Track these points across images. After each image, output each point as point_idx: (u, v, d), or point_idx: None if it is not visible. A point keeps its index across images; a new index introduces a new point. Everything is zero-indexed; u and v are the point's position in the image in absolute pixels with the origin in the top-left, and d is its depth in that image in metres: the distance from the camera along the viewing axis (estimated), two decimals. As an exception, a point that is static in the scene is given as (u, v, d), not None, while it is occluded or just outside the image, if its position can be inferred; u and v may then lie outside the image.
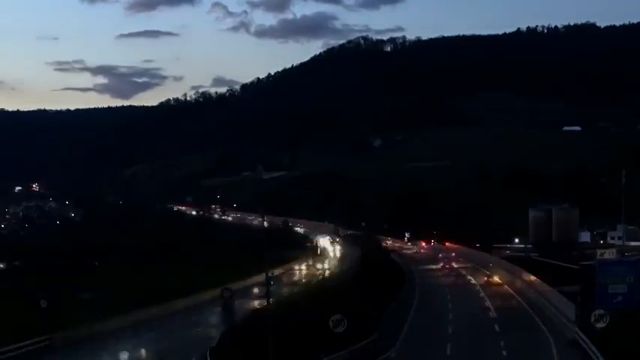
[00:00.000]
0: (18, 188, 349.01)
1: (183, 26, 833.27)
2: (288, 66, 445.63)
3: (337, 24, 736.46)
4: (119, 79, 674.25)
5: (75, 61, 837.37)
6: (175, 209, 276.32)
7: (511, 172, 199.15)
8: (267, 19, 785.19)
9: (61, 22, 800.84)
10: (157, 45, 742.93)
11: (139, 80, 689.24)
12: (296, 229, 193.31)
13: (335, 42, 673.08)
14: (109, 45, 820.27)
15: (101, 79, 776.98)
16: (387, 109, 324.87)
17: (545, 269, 75.74)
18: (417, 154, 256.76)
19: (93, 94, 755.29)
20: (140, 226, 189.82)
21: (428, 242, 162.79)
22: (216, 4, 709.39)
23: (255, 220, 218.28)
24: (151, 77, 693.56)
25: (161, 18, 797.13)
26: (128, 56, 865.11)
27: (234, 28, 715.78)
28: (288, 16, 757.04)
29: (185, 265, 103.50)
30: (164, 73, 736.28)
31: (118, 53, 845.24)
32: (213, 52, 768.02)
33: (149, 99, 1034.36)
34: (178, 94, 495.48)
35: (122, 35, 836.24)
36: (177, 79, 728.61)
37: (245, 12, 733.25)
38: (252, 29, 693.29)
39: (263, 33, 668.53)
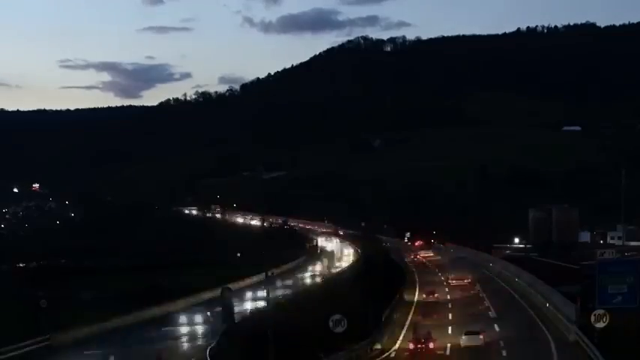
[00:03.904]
0: (18, 188, 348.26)
1: (186, 20, 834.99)
2: (295, 63, 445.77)
3: (341, 17, 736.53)
4: (123, 76, 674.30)
5: (78, 58, 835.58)
6: (175, 209, 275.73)
7: (511, 172, 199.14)
8: (270, 13, 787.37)
9: (63, 19, 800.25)
10: (161, 41, 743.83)
11: (144, 77, 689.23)
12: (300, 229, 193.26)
13: (341, 39, 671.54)
14: (112, 41, 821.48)
15: (106, 77, 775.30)
16: (387, 109, 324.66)
17: (545, 269, 75.42)
18: (417, 154, 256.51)
19: (96, 91, 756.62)
20: (140, 227, 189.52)
21: None
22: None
23: (252, 220, 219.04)
24: (157, 73, 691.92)
25: (165, 14, 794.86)
26: (132, 53, 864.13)
27: (240, 25, 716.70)
28: (294, 11, 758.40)
29: (185, 264, 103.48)
30: (171, 70, 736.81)
31: (122, 50, 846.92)
32: (219, 48, 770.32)
33: (153, 97, 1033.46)
34: (182, 91, 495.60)
35: (126, 32, 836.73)
36: (184, 75, 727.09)
37: (248, 7, 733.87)
38: (258, 24, 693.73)
39: (269, 27, 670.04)
